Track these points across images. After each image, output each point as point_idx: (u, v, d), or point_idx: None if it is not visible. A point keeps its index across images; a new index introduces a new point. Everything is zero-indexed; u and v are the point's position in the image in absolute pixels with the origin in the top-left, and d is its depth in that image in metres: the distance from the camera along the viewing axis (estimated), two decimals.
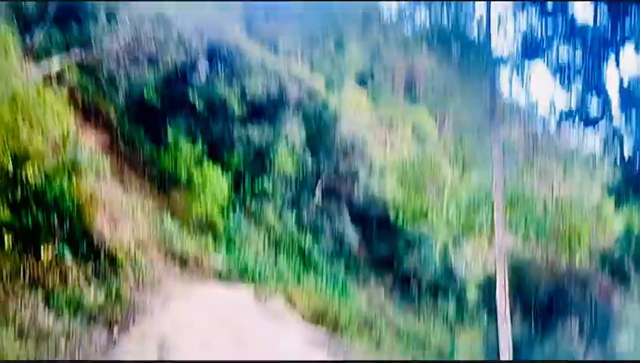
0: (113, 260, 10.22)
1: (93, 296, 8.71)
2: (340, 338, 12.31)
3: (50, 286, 7.77)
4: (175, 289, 15.27)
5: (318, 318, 13.21)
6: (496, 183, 15.49)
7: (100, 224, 10.96)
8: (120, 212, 18.15)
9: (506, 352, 13.89)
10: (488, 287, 23.88)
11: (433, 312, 34.43)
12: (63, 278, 8.39)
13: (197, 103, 26.10)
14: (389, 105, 48.51)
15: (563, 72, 17.67)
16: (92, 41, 19.16)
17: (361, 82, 48.96)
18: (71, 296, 7.83)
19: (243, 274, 24.10)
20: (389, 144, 43.41)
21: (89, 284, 9.01)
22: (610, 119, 16.46)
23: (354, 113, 33.27)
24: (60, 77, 19.05)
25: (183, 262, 19.93)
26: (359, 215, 36.70)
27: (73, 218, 9.12)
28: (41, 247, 8.08)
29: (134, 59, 20.01)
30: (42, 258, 8.05)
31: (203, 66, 24.77)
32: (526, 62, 18.12)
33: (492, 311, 22.43)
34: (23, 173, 8.17)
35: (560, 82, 17.93)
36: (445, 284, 36.26)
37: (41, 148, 9.43)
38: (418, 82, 53.21)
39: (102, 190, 16.84)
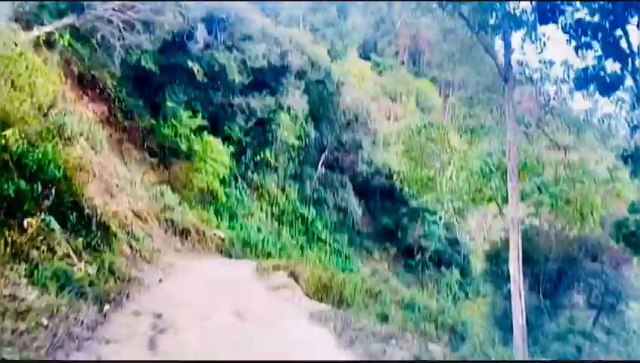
0: (106, 232, 9.61)
1: (83, 270, 8.11)
2: (344, 311, 11.78)
3: (34, 260, 7.17)
4: (175, 262, 14.78)
5: (321, 291, 12.66)
6: (510, 149, 14.73)
7: (93, 195, 10.33)
8: (117, 182, 17.60)
9: (520, 323, 13.40)
10: (495, 257, 23.41)
11: (438, 283, 34.20)
12: (50, 251, 7.78)
13: (196, 71, 25.19)
14: (392, 75, 47.54)
15: (579, 36, 16.66)
16: (84, 6, 18.15)
17: (365, 52, 47.88)
18: (58, 270, 7.22)
19: (246, 247, 23.71)
20: (392, 115, 42.53)
21: (79, 258, 8.42)
22: (635, 82, 15.55)
23: (357, 83, 32.17)
24: (51, 42, 18.20)
25: (184, 234, 19.44)
26: (363, 187, 36.17)
27: (61, 187, 8.47)
28: (25, 218, 7.46)
29: (128, 24, 19.01)
30: (26, 229, 7.43)
31: (201, 33, 23.70)
32: (541, 24, 17.03)
33: (500, 281, 22.12)
34: (4, 138, 7.49)
35: (576, 47, 16.93)
36: (450, 255, 35.95)
37: (26, 112, 8.74)
38: (424, 50, 52.00)
39: (96, 159, 16.25)
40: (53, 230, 8.25)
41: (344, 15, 34.90)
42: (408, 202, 34.44)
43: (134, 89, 26.12)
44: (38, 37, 17.03)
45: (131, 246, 11.79)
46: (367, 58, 49.14)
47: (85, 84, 23.83)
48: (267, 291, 10.99)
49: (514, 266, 13.66)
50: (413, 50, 52.57)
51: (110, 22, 18.64)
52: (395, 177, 35.18)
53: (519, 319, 13.27)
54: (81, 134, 13.02)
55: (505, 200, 16.72)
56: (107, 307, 7.14)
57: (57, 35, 18.06)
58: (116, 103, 25.08)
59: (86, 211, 9.14)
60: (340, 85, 30.90)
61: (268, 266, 13.60)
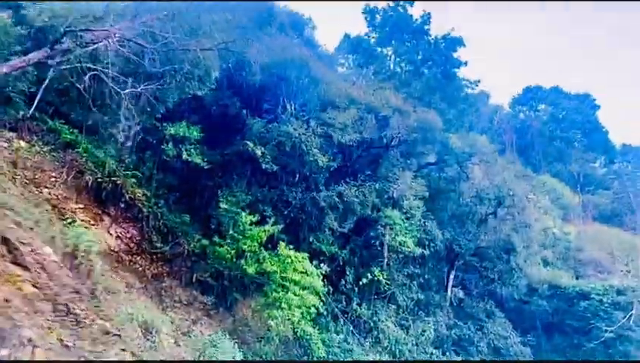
0: None
1: None
2: None
3: None
4: None
5: None
6: None
7: None
8: (106, 327, 8.24)
9: None
10: None
11: None
12: None
13: (259, 156, 16.85)
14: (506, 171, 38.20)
15: None
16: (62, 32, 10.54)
17: None
18: None
19: None
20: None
21: None
22: None
23: (487, 159, 22.59)
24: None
25: None
26: (521, 315, 24.65)
27: None
28: None
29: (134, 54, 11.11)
30: None
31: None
32: None
33: None
34: None
35: None
36: None
37: None
38: (535, 142, 42.74)
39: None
40: None
41: (448, 75, 27.00)
42: (592, 332, 22.23)
43: (177, 201, 18.02)
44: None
45: None
46: None
47: (105, 198, 15.83)
48: None
49: None
50: (520, 144, 43.29)
51: (104, 55, 10.73)
52: (567, 295, 24.00)
53: None
54: None
55: None
56: None
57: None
58: (151, 221, 16.77)
59: None
60: (466, 163, 21.24)
61: None
